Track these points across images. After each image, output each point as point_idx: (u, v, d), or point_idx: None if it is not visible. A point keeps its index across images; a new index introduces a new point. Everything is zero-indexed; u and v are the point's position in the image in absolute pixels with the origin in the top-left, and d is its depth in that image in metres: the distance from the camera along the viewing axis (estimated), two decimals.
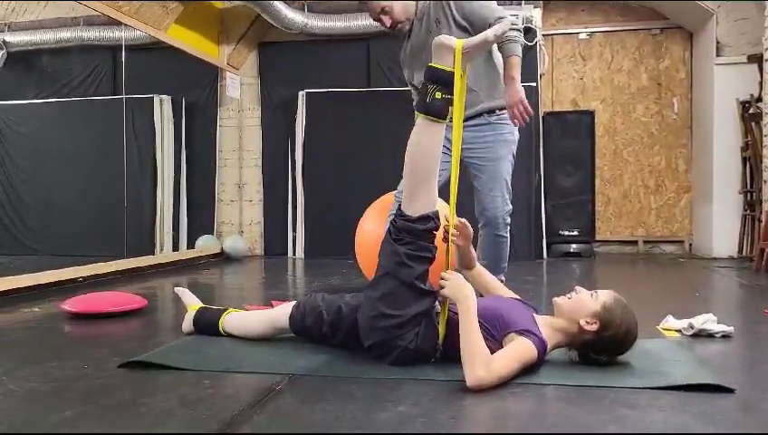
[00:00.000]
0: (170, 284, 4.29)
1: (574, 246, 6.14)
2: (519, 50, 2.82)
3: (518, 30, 2.84)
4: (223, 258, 6.08)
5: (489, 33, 1.91)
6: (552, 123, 6.23)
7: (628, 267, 5.36)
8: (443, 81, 1.85)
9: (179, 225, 6.35)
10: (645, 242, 6.60)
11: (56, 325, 2.67)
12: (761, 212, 5.19)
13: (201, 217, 6.44)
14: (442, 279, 1.88)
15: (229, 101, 6.46)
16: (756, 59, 5.37)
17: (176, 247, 6.24)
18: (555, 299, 1.92)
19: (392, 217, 1.97)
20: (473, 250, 2.18)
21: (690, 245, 6.50)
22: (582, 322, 1.83)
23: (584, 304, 1.85)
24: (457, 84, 1.85)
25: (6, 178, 6.55)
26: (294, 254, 6.28)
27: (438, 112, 1.86)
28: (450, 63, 1.86)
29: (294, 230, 6.29)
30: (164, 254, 5.90)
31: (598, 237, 6.47)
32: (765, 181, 4.97)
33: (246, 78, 6.51)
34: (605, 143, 6.61)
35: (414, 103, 1.91)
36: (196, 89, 6.48)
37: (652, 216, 6.61)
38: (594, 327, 1.82)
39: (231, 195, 6.54)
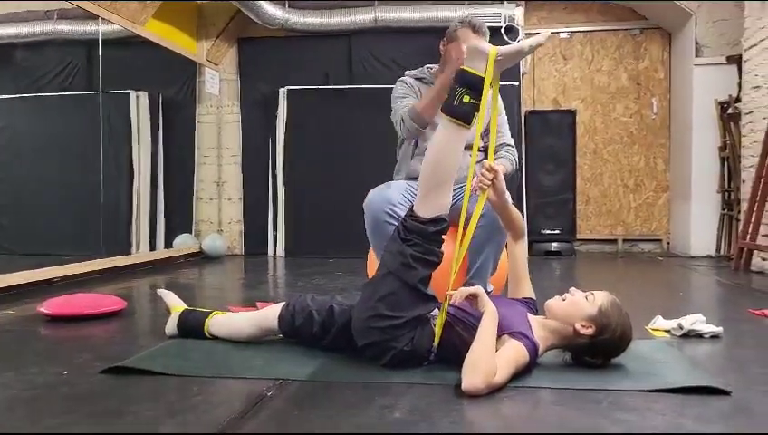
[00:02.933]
0: (148, 284, 4.21)
1: (555, 244, 6.17)
2: (507, 163, 2.85)
3: (513, 161, 2.91)
4: (201, 258, 5.99)
5: (525, 44, 1.86)
6: (533, 122, 6.24)
7: (609, 266, 5.39)
8: (472, 85, 1.81)
9: (156, 223, 6.23)
10: (624, 241, 6.65)
11: (33, 328, 2.59)
12: (738, 211, 5.25)
13: (179, 215, 6.34)
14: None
15: (208, 97, 6.36)
16: (735, 60, 5.43)
17: (152, 247, 6.13)
18: (548, 302, 1.90)
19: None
20: (515, 212, 2.14)
21: (668, 243, 6.56)
22: (578, 325, 1.81)
23: (579, 307, 1.83)
24: (486, 91, 1.82)
25: None
26: (275, 253, 6.21)
27: (463, 116, 1.82)
28: (482, 69, 1.82)
29: (275, 229, 6.22)
30: (140, 253, 5.79)
31: (578, 236, 6.50)
32: (744, 181, 5.02)
33: (225, 74, 6.42)
34: (585, 142, 6.64)
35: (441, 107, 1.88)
36: (174, 85, 6.36)
37: (631, 214, 6.67)
38: (590, 331, 1.80)
39: (210, 193, 6.45)
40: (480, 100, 1.82)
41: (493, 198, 2.06)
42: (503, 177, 2.06)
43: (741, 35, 5.13)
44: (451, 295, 1.84)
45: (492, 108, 2.01)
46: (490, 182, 2.01)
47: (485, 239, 2.67)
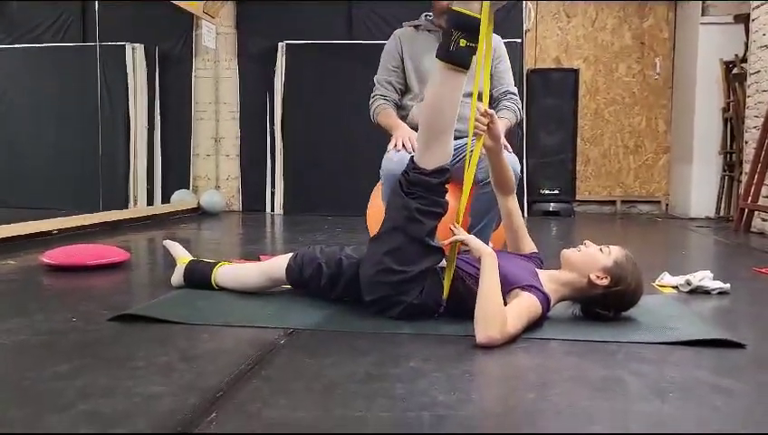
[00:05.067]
0: (146, 238, 4.18)
1: (554, 204, 6.15)
2: (511, 116, 2.84)
3: (516, 111, 2.88)
4: (199, 213, 5.95)
5: None
6: (535, 81, 6.17)
7: (609, 227, 5.39)
8: (468, 27, 1.72)
9: (154, 178, 6.17)
10: (622, 202, 6.64)
11: (35, 278, 2.56)
12: (740, 173, 5.24)
13: (176, 171, 6.27)
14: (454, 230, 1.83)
15: (205, 51, 6.24)
16: (743, 19, 5.34)
17: (150, 202, 6.08)
18: (564, 251, 1.89)
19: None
20: (508, 165, 2.06)
21: (667, 205, 6.56)
22: (593, 276, 1.80)
23: (595, 258, 1.82)
24: (483, 31, 1.74)
25: None
26: (273, 210, 6.17)
27: (461, 61, 1.74)
28: (477, 9, 1.73)
29: (273, 186, 6.17)
30: (138, 208, 5.74)
31: (576, 197, 6.48)
32: (747, 142, 4.99)
33: (223, 27, 6.28)
34: (586, 103, 6.57)
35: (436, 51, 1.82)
36: (170, 38, 6.23)
37: (630, 176, 6.64)
38: (605, 282, 1.79)
39: (207, 149, 6.37)
40: (477, 42, 1.74)
41: (489, 143, 1.98)
42: (498, 120, 1.99)
43: None
44: (453, 230, 1.82)
45: (486, 53, 1.93)
46: (485, 127, 1.95)
47: (492, 203, 2.64)
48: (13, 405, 1.21)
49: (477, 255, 1.77)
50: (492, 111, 1.96)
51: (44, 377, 1.35)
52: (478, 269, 1.86)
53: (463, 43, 1.73)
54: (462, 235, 1.82)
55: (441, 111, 1.80)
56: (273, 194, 6.19)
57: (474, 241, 1.80)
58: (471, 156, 1.90)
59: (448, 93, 1.79)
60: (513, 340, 1.65)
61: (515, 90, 2.94)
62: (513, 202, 2.11)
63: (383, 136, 2.91)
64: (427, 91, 1.85)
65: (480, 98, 1.94)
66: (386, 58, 2.97)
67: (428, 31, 2.91)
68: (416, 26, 2.96)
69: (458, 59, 1.74)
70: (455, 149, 1.95)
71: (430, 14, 2.97)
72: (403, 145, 2.69)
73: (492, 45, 1.94)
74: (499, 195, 2.11)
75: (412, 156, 1.86)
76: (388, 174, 2.65)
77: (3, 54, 6.20)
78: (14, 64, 6.17)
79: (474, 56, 1.77)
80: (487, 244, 2.73)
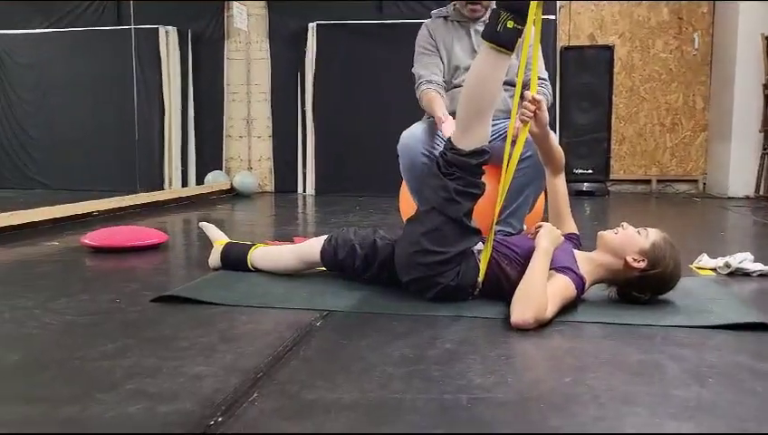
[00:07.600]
0: (182, 219, 4.25)
1: (588, 184, 6.07)
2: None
3: (547, 96, 2.78)
4: (233, 195, 6.02)
5: None
6: (569, 58, 6.07)
7: (644, 207, 5.31)
8: (517, 9, 1.72)
9: (188, 160, 6.26)
10: (658, 181, 6.52)
11: (78, 259, 2.63)
12: None
13: (209, 152, 6.35)
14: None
15: (236, 33, 6.26)
16: None
17: (184, 183, 6.17)
18: (601, 233, 1.87)
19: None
20: (556, 146, 2.09)
21: (704, 184, 6.43)
22: (630, 258, 1.78)
23: (633, 240, 1.80)
24: (532, 11, 1.73)
25: (11, 111, 6.42)
26: (305, 191, 6.21)
27: (507, 43, 1.73)
28: None
29: (305, 167, 6.20)
30: (173, 189, 5.84)
31: (611, 176, 6.39)
32: None
33: (254, 9, 6.29)
34: (622, 80, 6.45)
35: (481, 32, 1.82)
36: (202, 20, 6.28)
37: (666, 155, 6.52)
38: (642, 265, 1.78)
39: (239, 130, 6.43)
40: (525, 25, 1.74)
41: (534, 130, 1.99)
42: (545, 108, 2.00)
43: None
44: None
45: (534, 38, 1.93)
46: (532, 114, 1.95)
47: (528, 180, 2.65)
48: (63, 384, 1.25)
49: (537, 241, 1.79)
50: (540, 98, 1.95)
51: (93, 356, 1.40)
52: (515, 252, 1.88)
53: (510, 24, 1.72)
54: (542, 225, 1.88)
55: (482, 93, 1.81)
56: (304, 175, 6.22)
57: (548, 228, 1.85)
58: (516, 142, 1.90)
59: (491, 75, 1.80)
60: (547, 323, 1.65)
61: (546, 74, 2.89)
62: (560, 181, 2.15)
63: (414, 115, 2.91)
64: (470, 72, 1.86)
65: (527, 85, 1.94)
66: (422, 46, 2.91)
67: (458, 21, 2.88)
68: (444, 17, 2.93)
69: (504, 41, 1.74)
70: (493, 127, 1.95)
71: (457, 1, 2.92)
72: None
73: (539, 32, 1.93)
74: (548, 173, 2.14)
75: (449, 137, 1.87)
76: (404, 147, 2.72)
77: (41, 39, 6.32)
78: (51, 49, 6.29)
79: (519, 39, 1.76)
80: (521, 223, 2.76)
